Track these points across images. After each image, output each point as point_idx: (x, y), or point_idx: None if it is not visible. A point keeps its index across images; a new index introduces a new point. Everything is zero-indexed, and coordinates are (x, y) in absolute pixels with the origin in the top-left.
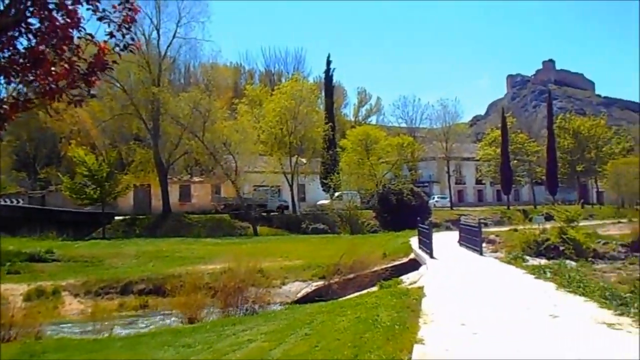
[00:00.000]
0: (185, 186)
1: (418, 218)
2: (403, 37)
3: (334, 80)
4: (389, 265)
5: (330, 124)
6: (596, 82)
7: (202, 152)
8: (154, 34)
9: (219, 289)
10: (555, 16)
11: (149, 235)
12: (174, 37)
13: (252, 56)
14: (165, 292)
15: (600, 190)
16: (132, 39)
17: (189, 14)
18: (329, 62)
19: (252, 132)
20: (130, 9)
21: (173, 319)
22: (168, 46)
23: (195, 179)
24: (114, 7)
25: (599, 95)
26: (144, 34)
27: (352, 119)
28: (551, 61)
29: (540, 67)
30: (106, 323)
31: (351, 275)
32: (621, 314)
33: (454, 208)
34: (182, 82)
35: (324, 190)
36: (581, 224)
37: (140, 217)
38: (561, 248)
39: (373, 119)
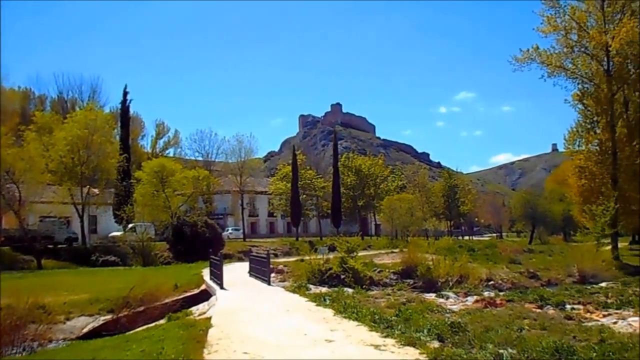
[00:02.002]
0: None
1: (210, 250)
2: (202, 73)
3: (132, 112)
4: (181, 297)
5: (126, 155)
6: (377, 125)
7: None
8: None
9: None
10: (343, 64)
11: None
12: None
13: (44, 81)
14: None
15: (378, 223)
16: None
17: None
18: (125, 93)
19: (40, 161)
20: None
21: None
22: None
23: None
24: None
25: (378, 138)
26: None
27: (150, 151)
28: (339, 104)
29: (329, 109)
30: None
31: (141, 308)
32: (387, 336)
33: (247, 239)
34: None
35: (116, 221)
36: (360, 254)
37: None
38: (342, 276)
39: (171, 152)
